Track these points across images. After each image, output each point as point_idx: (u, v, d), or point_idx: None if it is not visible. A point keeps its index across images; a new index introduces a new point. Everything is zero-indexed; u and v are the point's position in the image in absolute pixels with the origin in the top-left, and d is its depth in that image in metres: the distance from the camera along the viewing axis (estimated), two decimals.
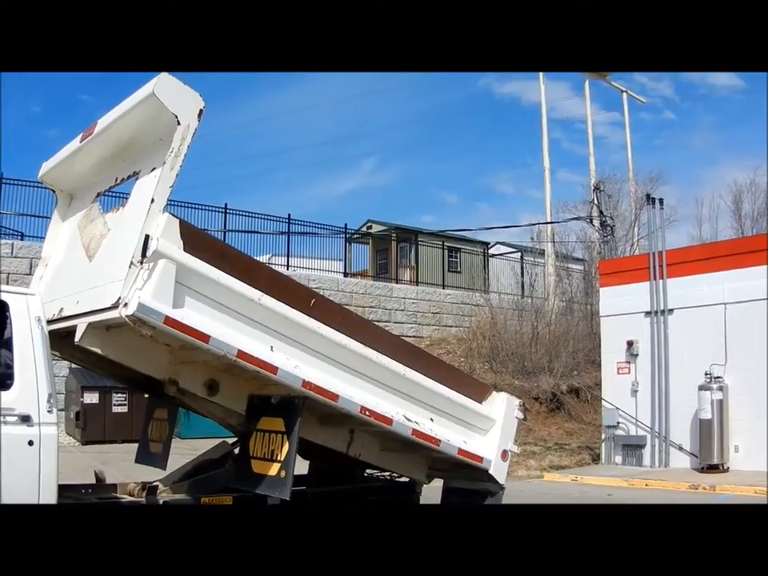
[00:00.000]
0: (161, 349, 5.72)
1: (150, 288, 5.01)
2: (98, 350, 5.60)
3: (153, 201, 5.18)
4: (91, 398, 19.41)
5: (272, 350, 5.72)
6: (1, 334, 5.43)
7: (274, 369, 5.60)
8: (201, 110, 5.34)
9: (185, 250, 5.31)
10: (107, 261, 5.62)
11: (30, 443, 5.04)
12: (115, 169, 6.28)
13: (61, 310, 5.74)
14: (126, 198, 5.87)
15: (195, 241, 5.44)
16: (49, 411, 5.18)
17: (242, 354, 5.44)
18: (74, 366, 15.79)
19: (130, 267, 5.03)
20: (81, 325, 5.44)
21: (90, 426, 19.49)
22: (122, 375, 6.77)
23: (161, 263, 5.08)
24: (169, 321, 5.08)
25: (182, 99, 5.29)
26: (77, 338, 5.42)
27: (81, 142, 6.32)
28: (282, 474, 5.68)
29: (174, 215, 5.39)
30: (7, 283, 17.21)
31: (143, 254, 5.02)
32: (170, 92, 5.25)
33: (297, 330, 5.92)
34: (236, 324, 5.56)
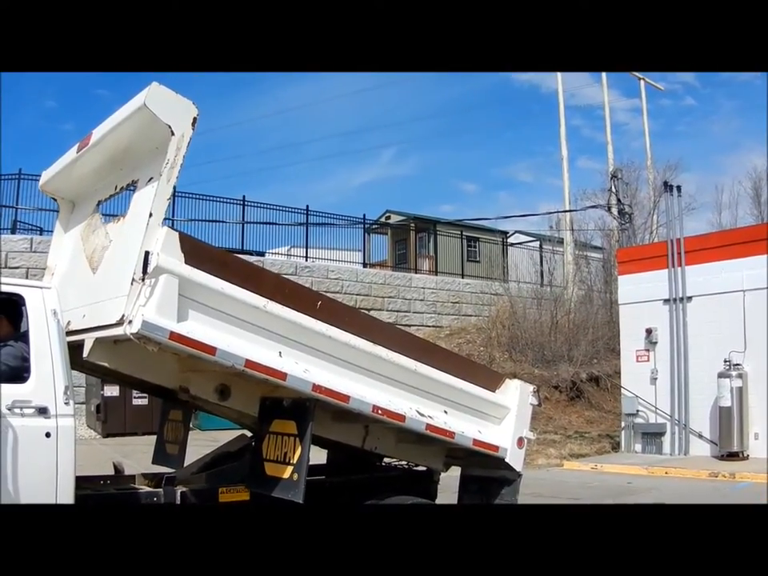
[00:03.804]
0: (170, 359, 5.71)
1: (153, 304, 4.98)
2: (107, 364, 5.61)
3: (151, 215, 5.15)
4: (111, 390, 19.58)
5: (280, 355, 5.69)
6: (17, 327, 5.50)
7: (282, 375, 5.57)
8: (195, 118, 5.26)
9: (186, 262, 5.26)
10: (110, 274, 5.61)
11: (48, 435, 5.08)
12: (114, 178, 6.25)
13: (68, 323, 5.74)
14: (127, 208, 5.83)
15: (196, 252, 5.39)
16: (66, 403, 5.20)
17: (249, 363, 5.40)
18: None
19: (132, 284, 5.01)
20: (88, 340, 5.44)
21: (110, 419, 19.74)
22: (134, 383, 6.78)
23: (162, 278, 5.05)
24: (174, 336, 5.05)
25: (175, 109, 5.21)
26: (85, 354, 5.42)
27: (77, 153, 6.28)
28: (295, 476, 5.66)
29: (173, 228, 5.36)
30: (26, 278, 17.46)
31: (144, 271, 4.99)
32: (162, 102, 5.17)
33: (305, 334, 5.88)
34: (242, 333, 5.52)
